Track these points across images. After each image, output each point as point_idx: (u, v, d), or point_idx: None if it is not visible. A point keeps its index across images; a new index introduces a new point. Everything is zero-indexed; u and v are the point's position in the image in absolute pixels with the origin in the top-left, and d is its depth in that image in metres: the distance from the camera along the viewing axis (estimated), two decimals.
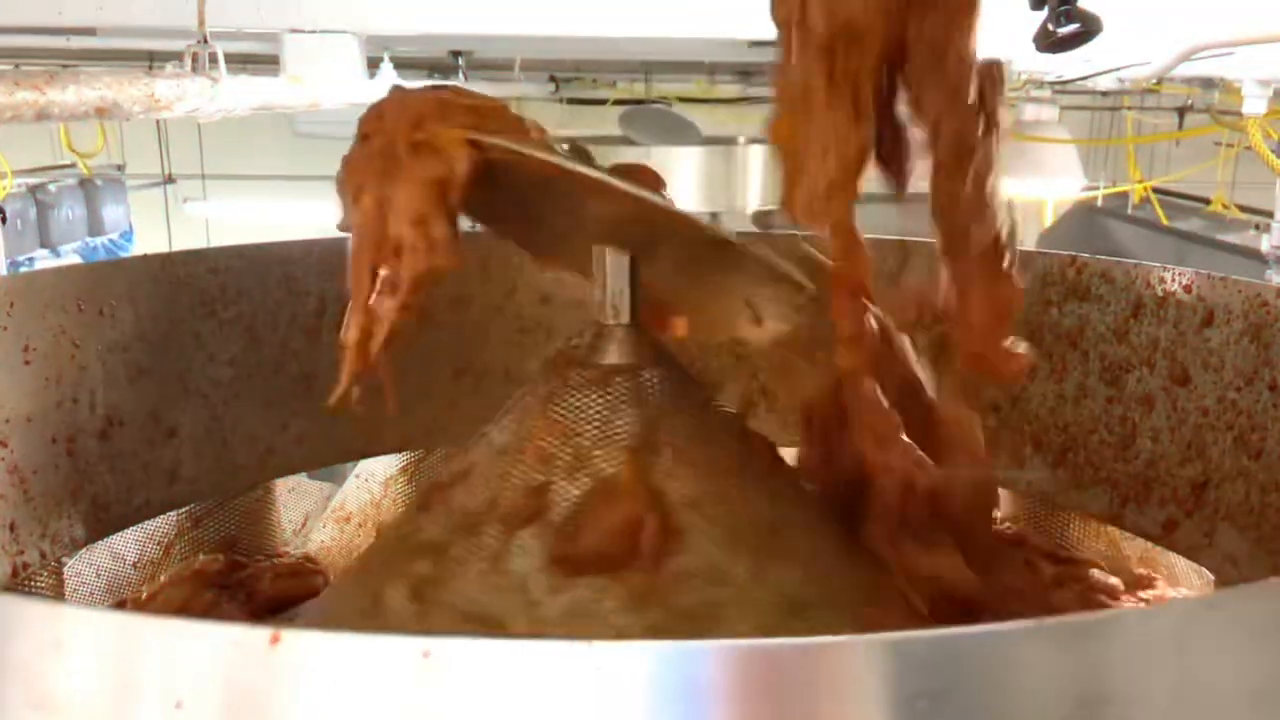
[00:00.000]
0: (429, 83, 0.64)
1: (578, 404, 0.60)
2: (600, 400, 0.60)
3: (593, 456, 0.58)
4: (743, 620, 0.53)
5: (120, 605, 0.83)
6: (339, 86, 1.92)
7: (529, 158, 0.53)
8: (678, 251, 0.64)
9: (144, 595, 0.83)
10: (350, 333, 0.55)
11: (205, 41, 1.32)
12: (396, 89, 0.59)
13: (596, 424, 0.59)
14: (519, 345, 0.99)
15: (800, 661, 0.29)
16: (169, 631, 0.26)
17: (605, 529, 0.54)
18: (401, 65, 2.70)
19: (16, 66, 3.54)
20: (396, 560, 0.57)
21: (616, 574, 0.53)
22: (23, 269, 3.97)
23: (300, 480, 1.02)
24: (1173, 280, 0.79)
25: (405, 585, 0.55)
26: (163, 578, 0.86)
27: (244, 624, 0.25)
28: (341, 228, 0.57)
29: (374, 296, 0.55)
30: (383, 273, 0.54)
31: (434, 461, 1.05)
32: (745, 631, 0.52)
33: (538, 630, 0.51)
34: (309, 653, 0.25)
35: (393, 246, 0.54)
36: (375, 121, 0.56)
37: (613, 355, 0.63)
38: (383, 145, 0.55)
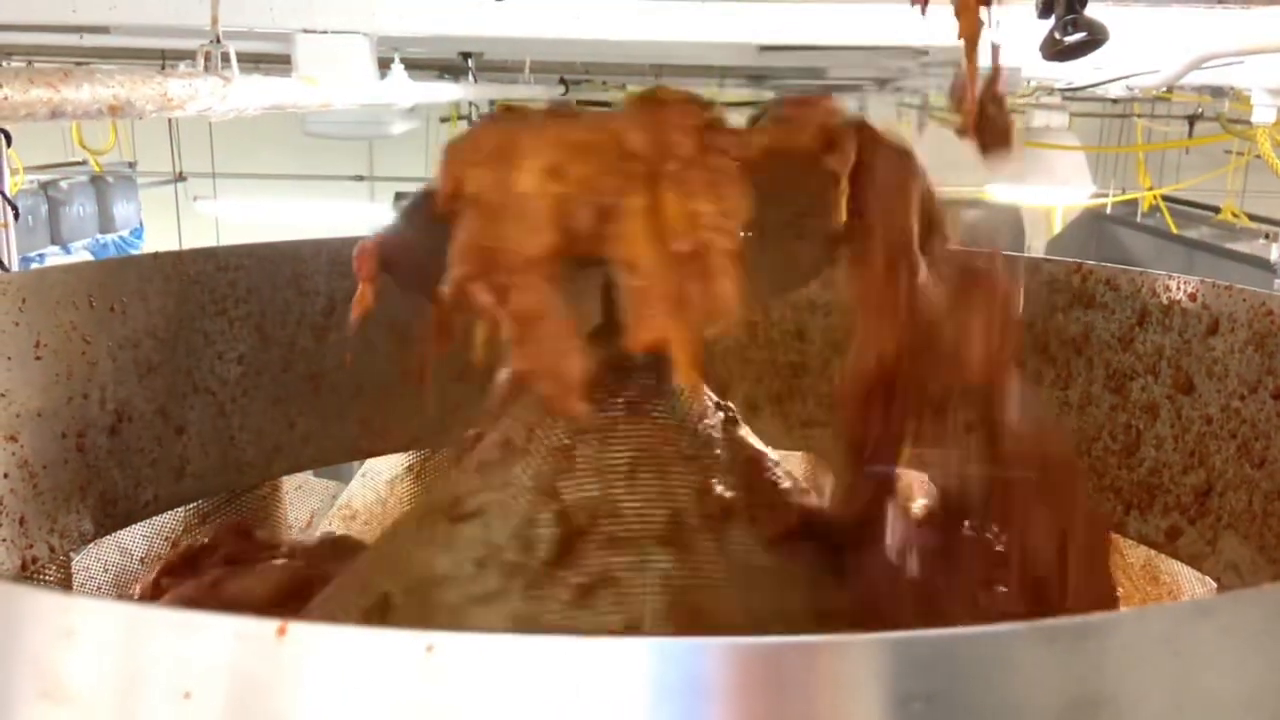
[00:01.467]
0: (450, 88, 0.64)
1: (671, 405, 0.63)
2: (682, 396, 0.63)
3: (719, 447, 0.61)
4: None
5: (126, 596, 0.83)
6: (350, 87, 1.93)
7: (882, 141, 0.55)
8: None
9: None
10: (676, 345, 0.53)
11: (218, 41, 1.32)
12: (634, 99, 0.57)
13: (697, 417, 0.62)
14: None
15: (798, 660, 0.29)
16: (178, 623, 0.26)
17: (792, 503, 0.58)
18: (411, 66, 2.71)
19: (30, 64, 3.56)
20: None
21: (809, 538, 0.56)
22: (34, 265, 3.99)
23: (307, 478, 1.02)
24: (1178, 288, 0.79)
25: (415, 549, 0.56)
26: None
27: (252, 616, 0.26)
28: (540, 251, 0.53)
29: (678, 311, 0.53)
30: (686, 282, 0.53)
31: (439, 461, 1.05)
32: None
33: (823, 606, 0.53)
34: (315, 645, 0.26)
35: (694, 253, 0.52)
36: (622, 132, 0.54)
37: (643, 356, 0.64)
38: (651, 152, 0.53)
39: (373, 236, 0.61)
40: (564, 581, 0.55)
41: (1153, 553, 0.85)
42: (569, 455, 0.60)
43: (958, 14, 0.56)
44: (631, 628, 0.53)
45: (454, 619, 0.54)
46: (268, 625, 0.25)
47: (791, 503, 0.61)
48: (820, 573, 0.58)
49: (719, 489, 0.59)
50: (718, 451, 0.61)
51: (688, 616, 0.53)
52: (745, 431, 0.65)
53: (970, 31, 0.53)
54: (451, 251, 0.54)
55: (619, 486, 0.58)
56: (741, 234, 0.53)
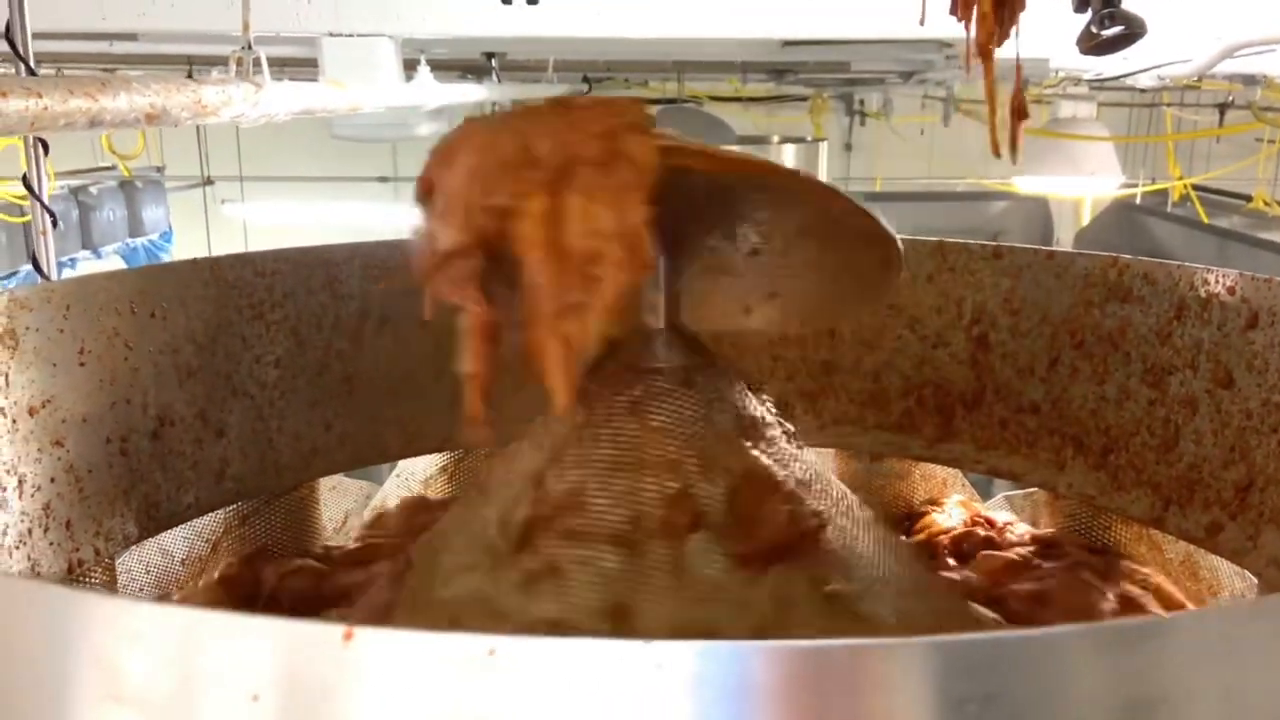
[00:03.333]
0: (483, 88, 0.65)
1: (674, 407, 0.61)
2: (694, 400, 0.62)
3: (716, 454, 0.59)
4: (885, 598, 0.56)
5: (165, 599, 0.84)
6: (376, 89, 1.94)
7: (723, 158, 0.54)
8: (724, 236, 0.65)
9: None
10: (550, 356, 0.53)
11: (250, 47, 1.34)
12: (546, 102, 0.57)
13: (701, 423, 0.61)
14: None
15: (850, 662, 0.29)
16: (246, 627, 0.27)
17: (777, 521, 0.56)
18: (437, 67, 2.72)
19: (59, 71, 3.60)
20: (524, 602, 0.57)
21: (796, 559, 0.55)
22: (65, 269, 4.05)
23: (341, 479, 1.03)
24: (1216, 282, 0.78)
25: (588, 618, 0.54)
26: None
27: (319, 621, 0.26)
28: (453, 247, 0.54)
29: (558, 321, 0.52)
30: (572, 293, 0.52)
31: (472, 462, 1.06)
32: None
33: (769, 629, 0.53)
34: (380, 649, 0.26)
35: (582, 261, 0.52)
36: (523, 135, 0.54)
37: (674, 358, 0.64)
38: (551, 156, 0.53)
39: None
40: (518, 565, 0.56)
41: (1192, 548, 0.85)
42: (563, 448, 0.61)
43: (968, 23, 0.56)
44: (560, 621, 0.53)
45: (439, 583, 0.58)
46: (334, 630, 0.26)
47: (779, 523, 0.59)
48: (785, 599, 0.56)
49: (697, 496, 0.58)
50: (716, 462, 0.60)
51: (613, 618, 0.53)
52: (768, 446, 0.64)
53: (984, 40, 0.52)
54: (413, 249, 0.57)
55: (592, 482, 0.59)
56: (641, 246, 0.51)
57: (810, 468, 0.64)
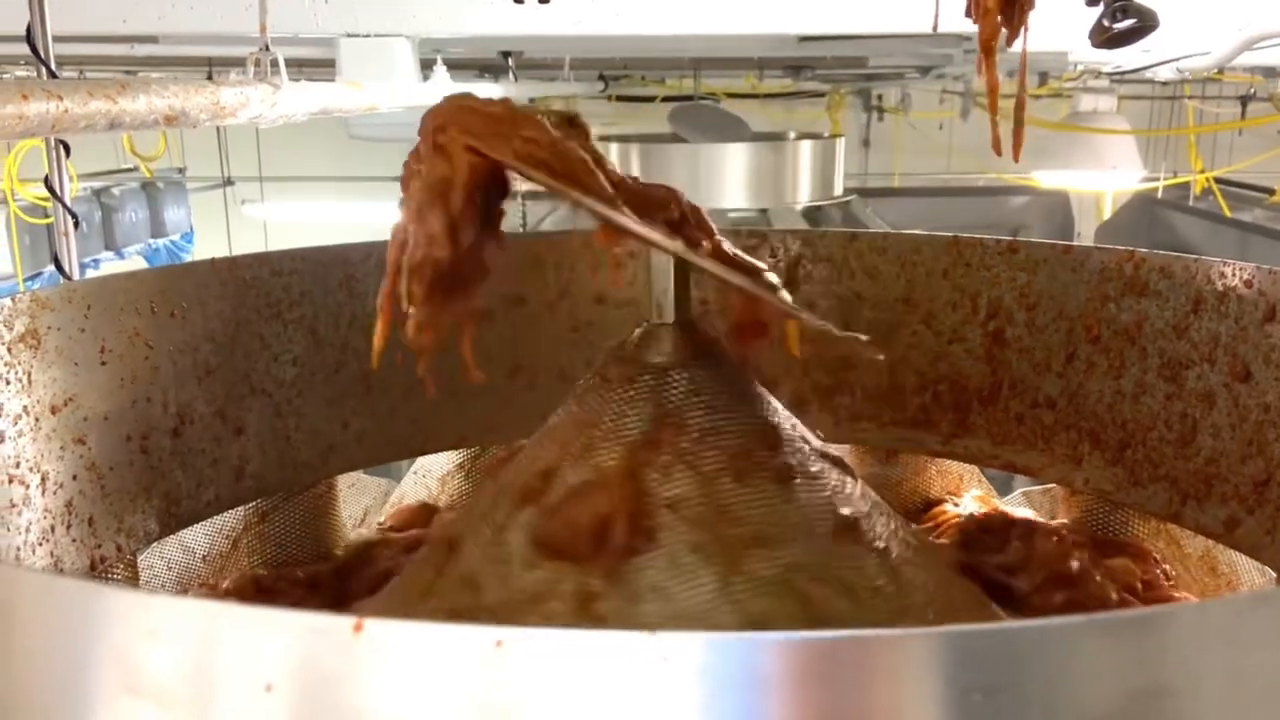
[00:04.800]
0: (490, 87, 0.66)
1: (602, 398, 0.62)
2: (620, 396, 0.62)
3: (598, 448, 0.60)
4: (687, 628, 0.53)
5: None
6: (394, 89, 1.95)
7: (529, 174, 0.55)
8: None
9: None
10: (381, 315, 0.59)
11: (267, 49, 1.35)
12: (456, 96, 0.61)
13: (611, 418, 0.61)
14: (572, 344, 1.00)
15: (857, 654, 0.29)
16: (260, 619, 0.27)
17: (580, 519, 0.56)
18: (453, 67, 2.73)
19: (81, 74, 3.64)
20: (452, 527, 0.60)
21: (580, 564, 0.54)
22: (89, 270, 4.09)
23: (360, 476, 1.04)
24: (1233, 275, 0.78)
25: (441, 552, 0.58)
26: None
27: (329, 613, 0.27)
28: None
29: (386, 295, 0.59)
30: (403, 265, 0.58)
31: (489, 459, 1.07)
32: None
33: (506, 601, 0.54)
34: (389, 640, 0.26)
35: (400, 240, 0.58)
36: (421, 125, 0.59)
37: (655, 354, 0.64)
38: (418, 147, 0.58)
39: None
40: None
41: (1211, 543, 0.84)
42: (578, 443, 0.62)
43: (976, 18, 0.55)
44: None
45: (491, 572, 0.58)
46: (344, 621, 0.26)
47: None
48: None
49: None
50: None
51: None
52: (794, 444, 0.64)
53: (988, 36, 0.52)
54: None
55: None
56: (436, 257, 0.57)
57: (820, 459, 0.64)
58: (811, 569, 0.56)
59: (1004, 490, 1.08)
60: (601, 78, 4.54)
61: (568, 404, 0.65)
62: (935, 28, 0.52)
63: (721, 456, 0.59)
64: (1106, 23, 0.68)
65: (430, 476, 1.07)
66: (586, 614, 0.53)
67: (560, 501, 0.58)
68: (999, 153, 0.55)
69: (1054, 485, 0.97)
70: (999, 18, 0.51)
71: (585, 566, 0.55)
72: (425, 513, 1.02)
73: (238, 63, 1.67)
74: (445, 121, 0.58)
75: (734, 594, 0.54)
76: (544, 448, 0.63)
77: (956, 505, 1.00)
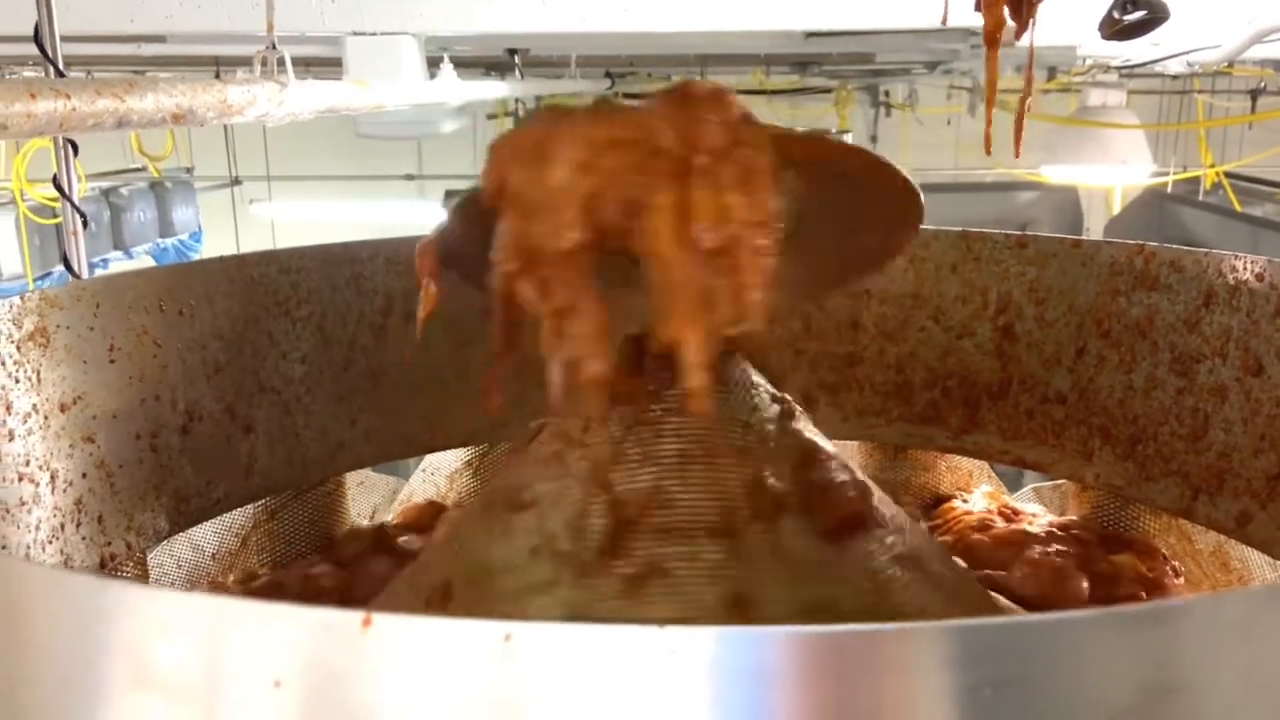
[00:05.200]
0: (506, 85, 0.65)
1: (722, 398, 0.63)
2: (737, 389, 0.63)
3: (773, 438, 0.61)
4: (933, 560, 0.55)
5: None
6: (400, 88, 1.96)
7: (833, 145, 0.54)
8: None
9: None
10: (690, 347, 0.52)
11: (274, 47, 1.35)
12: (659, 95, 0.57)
13: (749, 410, 0.63)
14: None
15: (866, 648, 0.29)
16: (268, 614, 0.27)
17: (847, 493, 0.57)
18: (460, 64, 2.73)
19: (89, 74, 3.65)
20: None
21: (864, 530, 0.56)
22: (98, 270, 4.10)
23: (368, 474, 1.04)
24: (1245, 268, 0.77)
25: (474, 542, 0.57)
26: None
27: (337, 608, 0.27)
28: (570, 245, 0.53)
29: (702, 315, 0.52)
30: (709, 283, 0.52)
31: (497, 456, 1.07)
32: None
33: (872, 601, 0.54)
34: (398, 635, 0.26)
35: (718, 251, 0.52)
36: (648, 129, 0.54)
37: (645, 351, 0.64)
38: (677, 148, 0.53)
39: (432, 234, 0.62)
40: (614, 571, 0.55)
41: (1223, 538, 0.84)
42: (622, 447, 0.60)
43: (982, 10, 0.54)
44: (682, 619, 0.53)
45: (510, 606, 0.56)
46: (353, 616, 0.26)
47: (848, 495, 0.61)
48: (874, 566, 0.58)
49: (771, 481, 0.59)
50: (771, 445, 0.62)
51: (738, 608, 0.53)
52: (802, 425, 0.65)
53: (992, 28, 0.51)
54: (496, 248, 0.55)
55: (670, 478, 0.59)
56: (774, 231, 0.52)
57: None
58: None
59: (1014, 486, 1.07)
60: (608, 75, 4.54)
61: (592, 419, 0.63)
62: (945, 21, 0.51)
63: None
64: (1117, 15, 0.68)
65: (439, 474, 1.07)
66: (573, 616, 0.54)
67: (815, 496, 0.58)
68: (989, 151, 0.55)
69: (1064, 481, 0.96)
70: (1005, 10, 0.51)
71: (580, 565, 0.55)
72: (433, 511, 1.02)
73: (245, 62, 1.67)
74: (731, 118, 0.54)
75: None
76: (548, 441, 0.62)
77: (965, 502, 1.00)
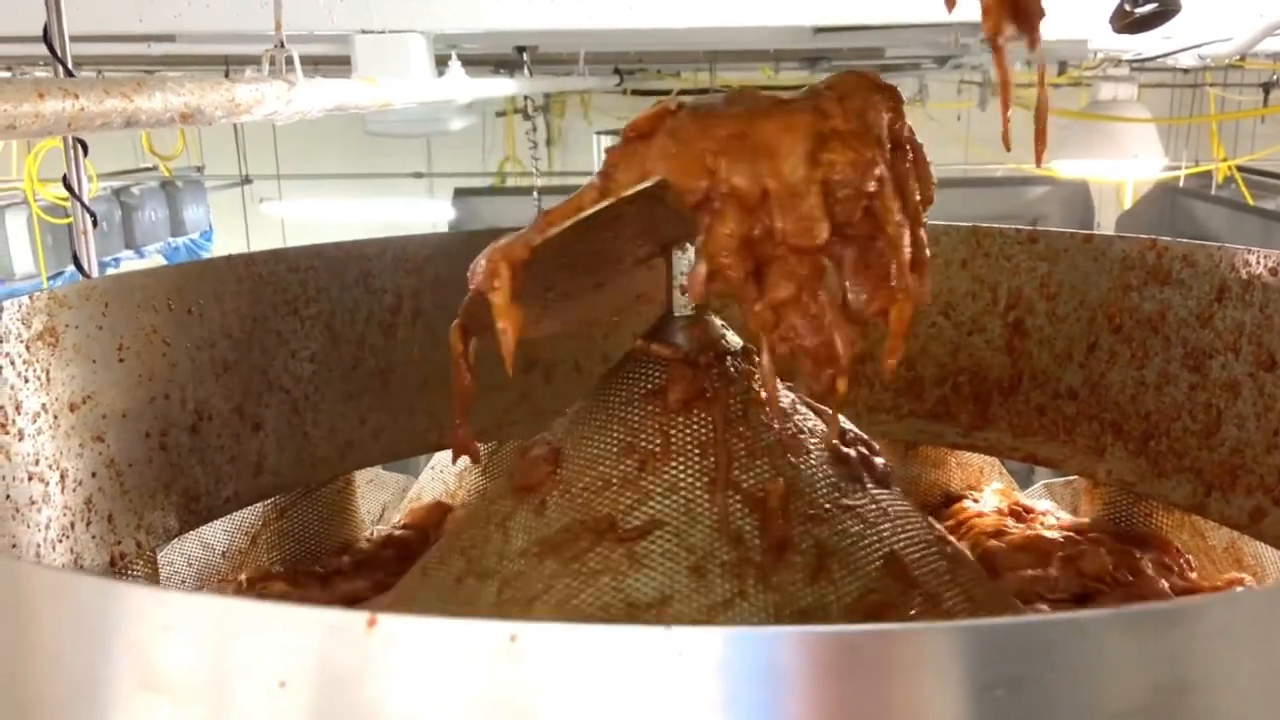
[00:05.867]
0: (515, 83, 0.64)
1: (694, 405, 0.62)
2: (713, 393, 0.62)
3: (740, 457, 0.60)
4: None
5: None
6: (409, 86, 1.95)
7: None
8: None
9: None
10: (903, 317, 0.56)
11: (282, 46, 1.35)
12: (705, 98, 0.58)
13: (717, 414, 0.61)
14: (587, 338, 1.00)
15: (878, 648, 0.29)
16: (273, 615, 0.27)
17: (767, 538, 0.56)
18: (468, 62, 2.73)
19: (99, 73, 3.66)
20: (537, 564, 0.57)
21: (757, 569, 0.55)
22: (109, 269, 4.12)
23: (378, 472, 1.04)
24: (1258, 263, 0.76)
25: (576, 580, 0.55)
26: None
27: (342, 609, 0.26)
28: (822, 239, 0.54)
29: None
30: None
31: (506, 453, 1.07)
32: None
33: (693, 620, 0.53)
34: (403, 635, 0.26)
35: (915, 224, 0.56)
36: (847, 114, 0.56)
37: (692, 344, 0.63)
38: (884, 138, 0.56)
39: (514, 242, 0.55)
40: (794, 562, 0.55)
41: (1236, 534, 0.83)
42: (718, 446, 0.60)
43: (981, 17, 0.54)
44: (870, 590, 0.55)
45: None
46: (357, 616, 0.26)
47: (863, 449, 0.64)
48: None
49: (843, 449, 0.62)
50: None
51: (897, 565, 0.56)
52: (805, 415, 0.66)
53: (992, 34, 0.51)
54: (710, 244, 0.54)
55: (782, 463, 0.60)
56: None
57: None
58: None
59: (1025, 483, 1.07)
60: (617, 71, 4.53)
61: (608, 409, 0.63)
62: (951, 7, 0.51)
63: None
64: (1128, 8, 0.67)
65: (448, 472, 1.07)
66: (782, 617, 0.54)
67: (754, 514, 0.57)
68: (1008, 147, 0.55)
69: (1076, 477, 0.96)
70: (1005, 17, 0.51)
71: (759, 568, 0.55)
72: (439, 511, 1.02)
73: (255, 61, 1.67)
74: (897, 108, 0.57)
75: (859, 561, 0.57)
76: (617, 459, 0.60)
77: (977, 501, 0.99)
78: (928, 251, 0.57)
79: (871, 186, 0.54)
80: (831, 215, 0.53)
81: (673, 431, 0.60)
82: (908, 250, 0.55)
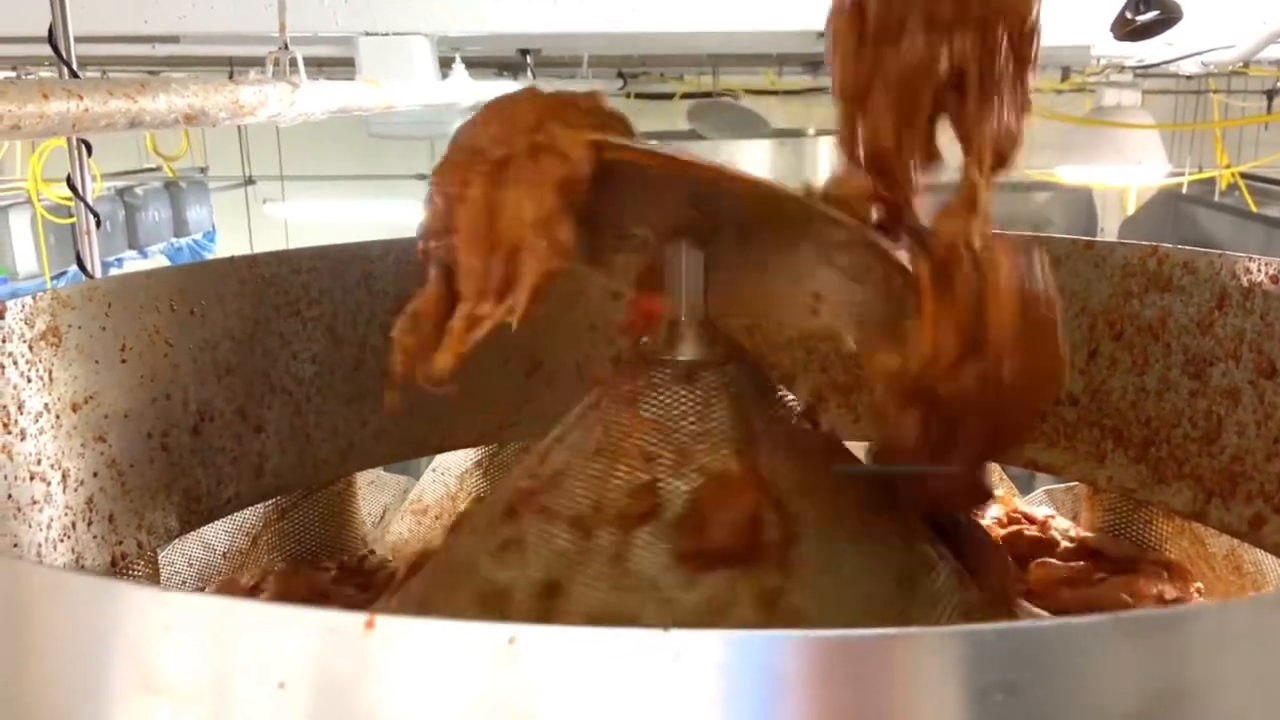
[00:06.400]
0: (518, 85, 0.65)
1: (668, 400, 0.61)
2: (690, 396, 0.61)
3: (695, 451, 0.58)
4: (859, 602, 0.55)
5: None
6: (412, 88, 1.96)
7: (656, 157, 0.53)
8: (739, 237, 0.64)
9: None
10: (453, 330, 0.56)
11: (286, 47, 1.36)
12: (503, 96, 0.59)
13: (692, 419, 0.60)
14: (589, 341, 1.00)
15: (876, 652, 0.29)
16: (272, 616, 0.27)
17: (729, 523, 0.54)
18: (472, 65, 2.74)
19: (104, 74, 3.67)
20: (491, 568, 0.58)
21: (746, 567, 0.53)
22: (112, 269, 4.12)
23: (379, 474, 1.04)
24: (1259, 270, 0.76)
25: (526, 591, 0.55)
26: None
27: (340, 610, 0.27)
28: (429, 232, 0.57)
29: (478, 301, 0.55)
30: (492, 275, 0.54)
31: (507, 456, 1.07)
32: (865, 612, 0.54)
33: (680, 624, 0.52)
34: (401, 637, 0.26)
35: (508, 250, 0.54)
36: (481, 126, 0.56)
37: (690, 351, 0.63)
38: (492, 148, 0.54)
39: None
40: (497, 534, 0.59)
41: (1236, 542, 0.83)
42: (567, 430, 0.63)
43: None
44: (508, 589, 0.56)
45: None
46: (356, 618, 0.26)
47: (733, 526, 0.57)
48: (720, 604, 0.55)
49: (661, 490, 0.57)
50: (692, 457, 0.59)
51: (546, 595, 0.55)
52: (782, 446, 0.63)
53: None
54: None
55: (575, 463, 0.60)
56: (561, 236, 0.54)
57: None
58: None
59: (1025, 489, 1.07)
60: (620, 75, 4.54)
61: (610, 411, 0.62)
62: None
63: (805, 440, 0.63)
64: (1129, 15, 0.67)
65: (449, 474, 1.07)
66: (779, 611, 0.53)
67: (695, 511, 0.56)
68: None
69: (1077, 483, 0.96)
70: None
71: (753, 566, 0.54)
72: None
73: (259, 62, 1.68)
74: (543, 118, 0.54)
75: (878, 553, 0.57)
76: (619, 462, 0.59)
77: None
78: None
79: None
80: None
81: (671, 435, 0.60)
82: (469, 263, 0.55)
